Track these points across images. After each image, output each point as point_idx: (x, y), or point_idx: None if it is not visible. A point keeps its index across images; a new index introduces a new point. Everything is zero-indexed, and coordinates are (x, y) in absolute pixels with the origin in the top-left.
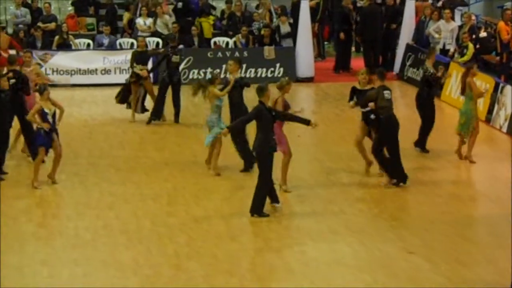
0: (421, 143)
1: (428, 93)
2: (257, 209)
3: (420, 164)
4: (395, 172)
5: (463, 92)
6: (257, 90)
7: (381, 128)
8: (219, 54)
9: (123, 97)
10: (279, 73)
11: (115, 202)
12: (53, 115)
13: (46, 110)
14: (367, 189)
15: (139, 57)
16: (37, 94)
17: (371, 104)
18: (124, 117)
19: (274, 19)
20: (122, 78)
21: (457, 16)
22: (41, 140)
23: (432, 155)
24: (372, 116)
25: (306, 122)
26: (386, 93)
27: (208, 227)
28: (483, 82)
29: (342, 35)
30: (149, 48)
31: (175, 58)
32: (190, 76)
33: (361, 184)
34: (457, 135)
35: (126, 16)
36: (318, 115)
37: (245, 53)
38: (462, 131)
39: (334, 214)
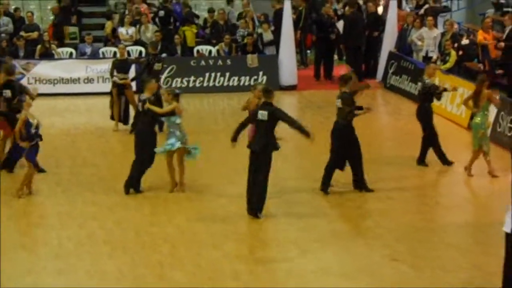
0: (423, 157)
1: (429, 106)
2: (261, 208)
3: (405, 172)
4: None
5: (475, 104)
6: (264, 92)
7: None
8: (202, 62)
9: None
10: (262, 81)
11: (99, 212)
12: (36, 127)
13: (31, 121)
14: (351, 197)
15: (120, 66)
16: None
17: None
18: (107, 126)
19: (257, 27)
20: (105, 87)
21: (440, 24)
22: (31, 156)
23: (414, 163)
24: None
25: (306, 133)
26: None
27: (191, 236)
28: (465, 89)
29: (314, 38)
30: (132, 57)
31: (157, 66)
32: (174, 85)
33: (346, 192)
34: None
35: (109, 25)
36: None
37: (228, 61)
38: (483, 144)
39: (319, 222)
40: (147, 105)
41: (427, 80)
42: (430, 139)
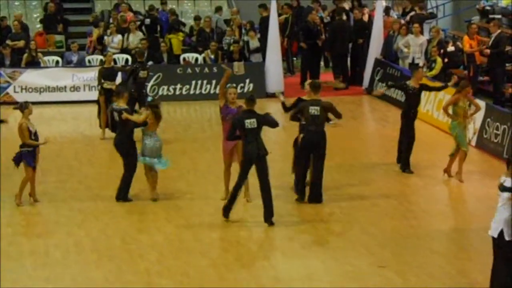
0: (406, 163)
1: (413, 112)
2: (272, 213)
3: (391, 179)
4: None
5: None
6: (248, 100)
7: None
8: (189, 70)
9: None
10: (249, 88)
11: (85, 220)
12: (35, 134)
13: (31, 129)
14: (338, 204)
15: (106, 74)
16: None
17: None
18: (93, 134)
19: (243, 35)
20: (92, 95)
21: (425, 31)
22: (29, 161)
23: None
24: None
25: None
26: (312, 108)
27: (179, 244)
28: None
29: (303, 44)
30: (118, 64)
31: (142, 74)
32: (160, 93)
33: (332, 199)
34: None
35: (96, 32)
36: (288, 131)
37: (215, 69)
38: (461, 145)
39: (305, 229)
40: (125, 115)
41: (410, 85)
42: (410, 144)
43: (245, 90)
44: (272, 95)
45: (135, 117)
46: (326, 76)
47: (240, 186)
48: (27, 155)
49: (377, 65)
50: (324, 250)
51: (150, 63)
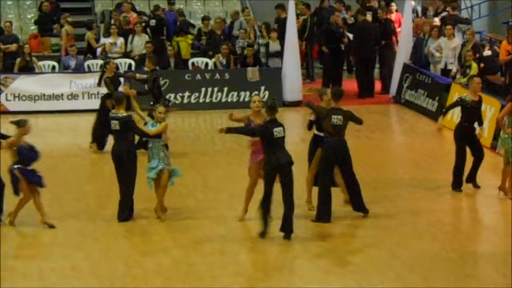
0: (472, 178)
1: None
2: (292, 228)
3: (418, 194)
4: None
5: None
6: (269, 109)
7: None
8: (198, 76)
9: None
10: (263, 96)
11: (84, 241)
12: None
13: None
14: (361, 223)
15: (113, 83)
16: None
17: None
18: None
19: (258, 38)
20: (91, 103)
21: (458, 33)
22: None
23: (432, 185)
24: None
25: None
26: (335, 117)
27: (186, 268)
28: (487, 105)
29: (325, 48)
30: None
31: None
32: None
33: (354, 217)
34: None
35: (89, 36)
36: (307, 142)
37: (226, 75)
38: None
39: (325, 251)
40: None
41: (466, 97)
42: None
43: None
44: (290, 104)
45: (151, 130)
46: (349, 83)
47: (270, 202)
48: (30, 174)
49: (405, 71)
50: (346, 273)
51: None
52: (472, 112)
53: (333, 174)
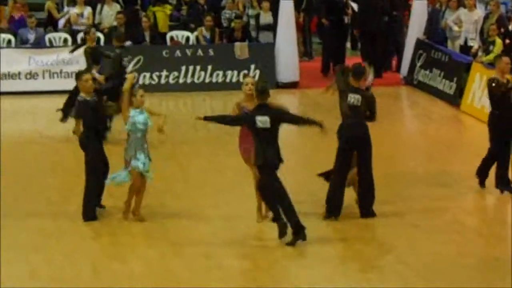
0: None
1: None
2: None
3: (432, 192)
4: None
5: None
6: (259, 92)
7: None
8: (177, 52)
9: (67, 111)
10: (254, 76)
11: (45, 242)
12: None
13: None
14: (368, 224)
15: (93, 56)
16: None
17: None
18: (56, 133)
19: (248, 8)
20: (54, 83)
21: (480, 4)
22: None
23: (448, 180)
24: None
25: (318, 124)
26: (352, 96)
27: (164, 274)
28: None
29: (325, 21)
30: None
31: (126, 61)
32: (141, 81)
33: (360, 218)
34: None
35: (50, 5)
36: (305, 129)
37: (211, 51)
38: None
39: (328, 256)
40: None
41: (496, 77)
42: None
43: None
44: (285, 85)
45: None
46: (353, 61)
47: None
48: None
49: (419, 47)
50: (349, 281)
51: (128, 43)
52: (505, 96)
53: (349, 167)
